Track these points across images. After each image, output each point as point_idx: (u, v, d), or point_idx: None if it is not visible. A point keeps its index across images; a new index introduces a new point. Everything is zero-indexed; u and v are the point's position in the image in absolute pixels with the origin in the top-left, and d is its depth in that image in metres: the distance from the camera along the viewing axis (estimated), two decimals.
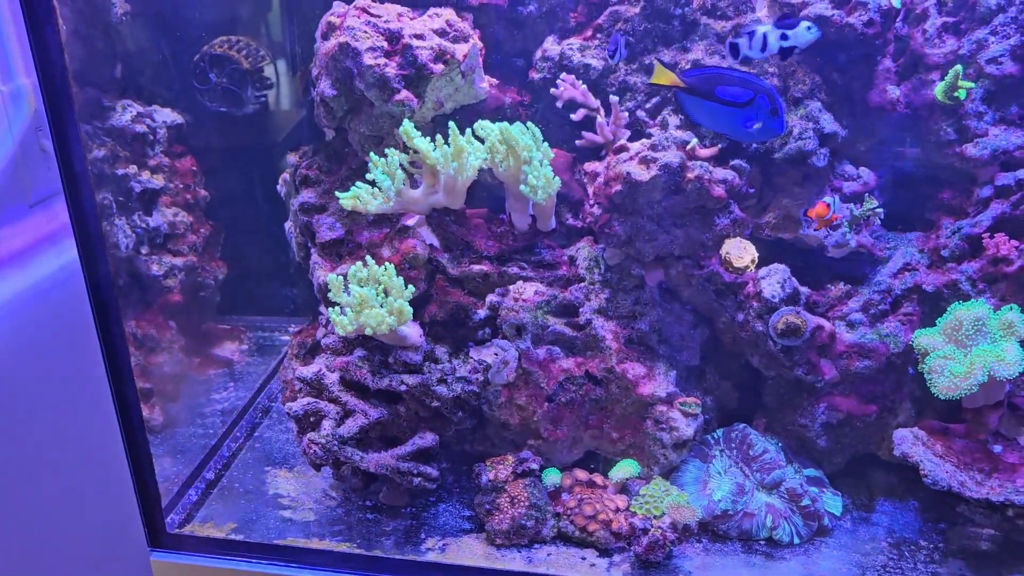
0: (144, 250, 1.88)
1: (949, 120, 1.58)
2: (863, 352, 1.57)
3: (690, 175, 1.51)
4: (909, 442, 1.46)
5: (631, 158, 1.54)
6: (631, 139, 1.61)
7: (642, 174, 1.51)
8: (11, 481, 1.65)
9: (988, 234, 1.53)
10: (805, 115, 1.57)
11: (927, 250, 1.62)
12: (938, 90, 1.57)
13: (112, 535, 1.83)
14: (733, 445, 1.63)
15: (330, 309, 1.47)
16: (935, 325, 1.50)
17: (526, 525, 1.55)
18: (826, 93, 1.61)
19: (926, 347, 1.46)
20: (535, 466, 1.59)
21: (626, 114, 1.62)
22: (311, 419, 1.58)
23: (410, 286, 1.47)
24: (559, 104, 1.63)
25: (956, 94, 1.55)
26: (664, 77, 1.45)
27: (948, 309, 1.48)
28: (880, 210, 1.60)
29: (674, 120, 1.62)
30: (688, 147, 1.54)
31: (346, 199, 1.50)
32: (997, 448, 1.48)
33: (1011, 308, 1.44)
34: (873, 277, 1.63)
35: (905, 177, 1.68)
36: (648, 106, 1.64)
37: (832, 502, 1.60)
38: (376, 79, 1.47)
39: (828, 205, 1.45)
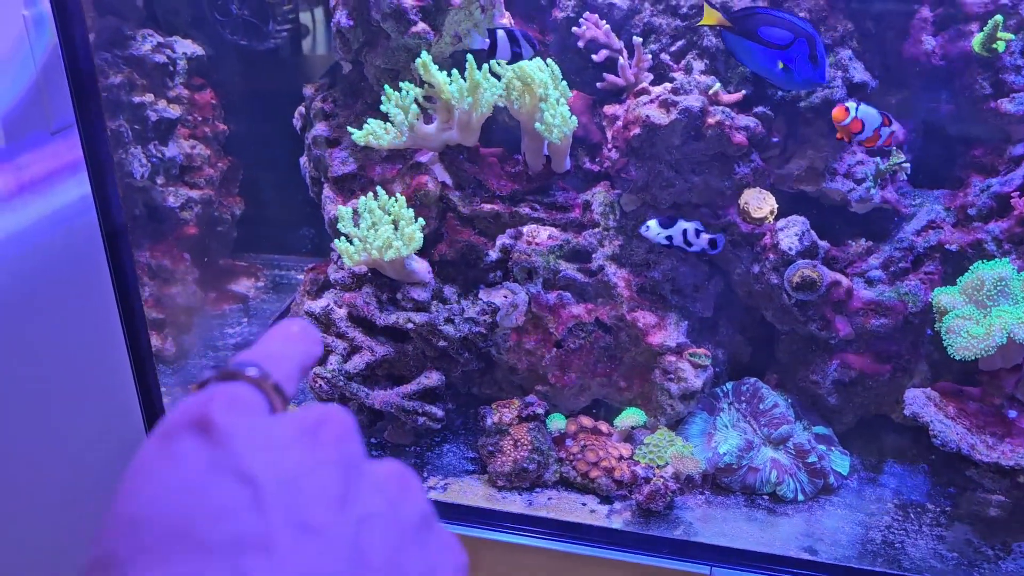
0: (160, 180, 1.88)
1: (985, 73, 1.52)
2: (880, 310, 1.53)
3: (711, 120, 1.47)
4: (921, 402, 1.43)
5: (651, 101, 1.50)
6: (654, 83, 1.57)
7: (662, 118, 1.47)
8: (22, 402, 1.68)
9: (1017, 193, 1.47)
10: (835, 63, 1.52)
11: (954, 208, 1.57)
12: (976, 41, 1.50)
13: (120, 459, 1.86)
14: (743, 399, 1.61)
15: (338, 240, 1.46)
16: (956, 284, 1.46)
17: (528, 468, 1.54)
18: (858, 41, 1.55)
19: (945, 306, 1.42)
20: (540, 411, 1.59)
21: (649, 57, 1.58)
22: None
23: (420, 218, 1.45)
24: (581, 44, 1.60)
25: (994, 46, 1.49)
26: (712, 17, 1.43)
27: (970, 268, 1.43)
28: (907, 165, 1.55)
29: (699, 64, 1.57)
30: (711, 92, 1.50)
31: (359, 136, 1.48)
32: (1012, 413, 1.45)
33: None
34: (896, 234, 1.59)
35: (936, 132, 1.62)
36: (673, 49, 1.59)
37: (839, 461, 1.58)
38: (392, 9, 1.44)
39: (847, 109, 1.40)
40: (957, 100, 1.58)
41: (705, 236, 1.49)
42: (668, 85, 1.52)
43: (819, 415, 1.64)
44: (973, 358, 1.37)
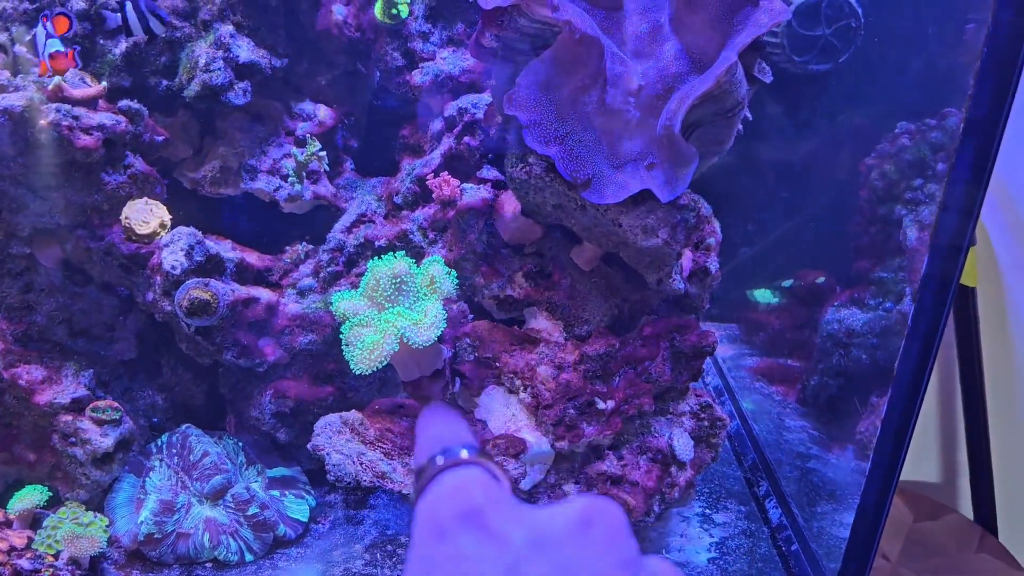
0: None
1: (395, 43, 1.34)
2: (306, 324, 1.31)
3: (43, 122, 1.18)
4: (331, 430, 1.21)
5: None
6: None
7: None
8: None
9: (432, 174, 1.30)
10: (214, 42, 1.28)
11: (385, 197, 1.37)
12: (377, 8, 1.32)
13: None
14: (174, 451, 1.34)
15: None
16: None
17: None
18: (252, 15, 1.32)
19: (345, 313, 1.21)
20: None
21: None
22: None
23: None
24: None
25: (394, 11, 1.31)
26: None
27: (368, 266, 1.23)
28: (323, 154, 1.34)
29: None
30: (52, 87, 1.21)
31: None
32: None
33: (434, 260, 1.20)
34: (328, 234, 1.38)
35: (372, 113, 1.43)
36: (28, 39, 1.30)
37: (296, 506, 1.35)
38: None
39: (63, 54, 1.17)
40: (380, 75, 1.39)
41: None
42: None
43: (280, 455, 1.40)
44: (372, 371, 1.17)
